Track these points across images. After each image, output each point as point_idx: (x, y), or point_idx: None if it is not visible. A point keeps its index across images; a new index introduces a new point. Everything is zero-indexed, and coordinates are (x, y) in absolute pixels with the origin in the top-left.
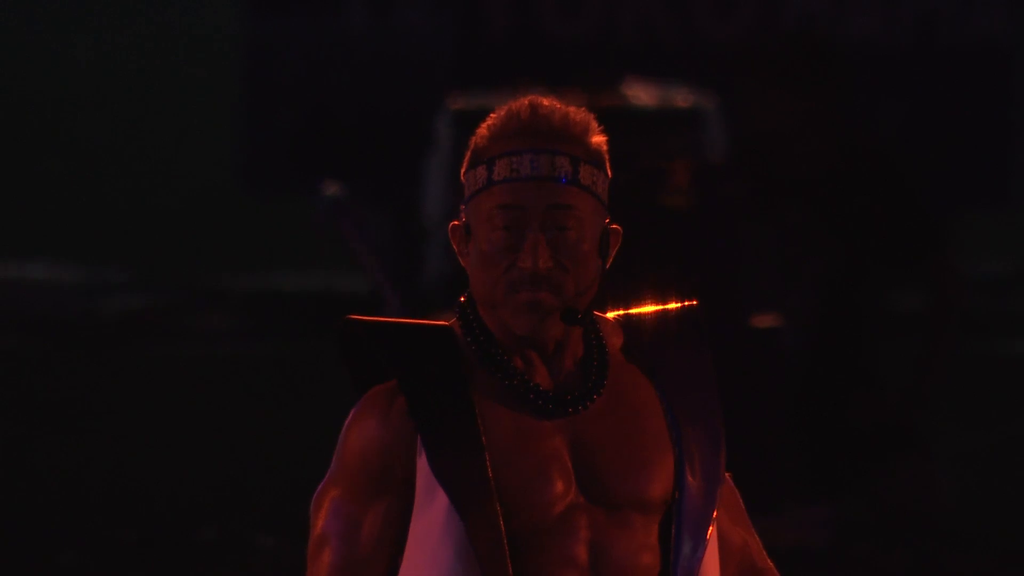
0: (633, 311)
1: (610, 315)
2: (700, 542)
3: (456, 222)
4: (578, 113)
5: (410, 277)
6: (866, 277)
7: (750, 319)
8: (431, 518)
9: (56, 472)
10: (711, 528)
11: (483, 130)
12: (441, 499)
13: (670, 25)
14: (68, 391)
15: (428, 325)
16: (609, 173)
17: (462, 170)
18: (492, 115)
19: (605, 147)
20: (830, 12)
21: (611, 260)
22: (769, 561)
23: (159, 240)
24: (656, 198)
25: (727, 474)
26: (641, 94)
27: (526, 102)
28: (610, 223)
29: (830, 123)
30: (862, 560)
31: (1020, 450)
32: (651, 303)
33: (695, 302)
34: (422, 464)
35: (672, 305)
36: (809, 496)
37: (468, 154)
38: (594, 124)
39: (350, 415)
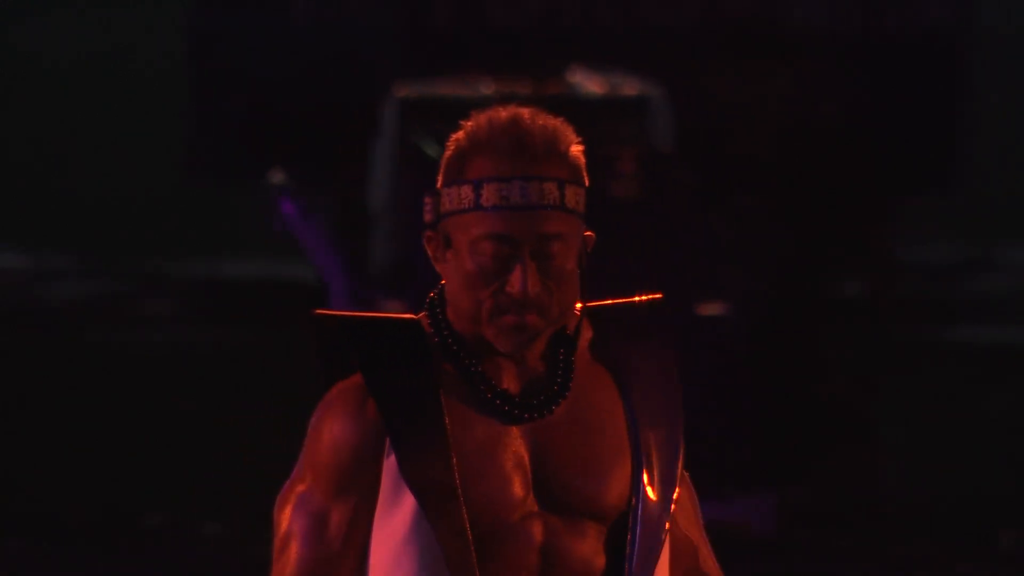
0: (599, 304)
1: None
2: (655, 549)
3: (431, 232)
4: (559, 127)
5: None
6: (815, 262)
7: (696, 306)
8: (397, 521)
9: (2, 457)
10: (665, 535)
11: (463, 142)
12: (408, 502)
13: (614, 13)
14: (14, 378)
15: (397, 320)
16: (587, 181)
17: (439, 178)
18: (470, 124)
19: (583, 156)
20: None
21: (586, 261)
22: (716, 569)
23: (106, 227)
24: (603, 186)
25: (685, 473)
26: (587, 82)
27: (508, 116)
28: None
29: (784, 107)
30: (806, 545)
31: (965, 436)
32: (617, 296)
33: (660, 296)
34: (389, 465)
35: (638, 299)
36: (754, 482)
37: (446, 163)
38: (571, 135)
39: (319, 410)
